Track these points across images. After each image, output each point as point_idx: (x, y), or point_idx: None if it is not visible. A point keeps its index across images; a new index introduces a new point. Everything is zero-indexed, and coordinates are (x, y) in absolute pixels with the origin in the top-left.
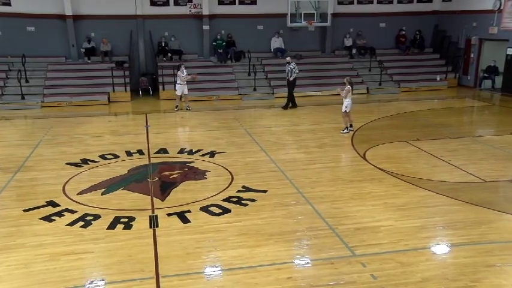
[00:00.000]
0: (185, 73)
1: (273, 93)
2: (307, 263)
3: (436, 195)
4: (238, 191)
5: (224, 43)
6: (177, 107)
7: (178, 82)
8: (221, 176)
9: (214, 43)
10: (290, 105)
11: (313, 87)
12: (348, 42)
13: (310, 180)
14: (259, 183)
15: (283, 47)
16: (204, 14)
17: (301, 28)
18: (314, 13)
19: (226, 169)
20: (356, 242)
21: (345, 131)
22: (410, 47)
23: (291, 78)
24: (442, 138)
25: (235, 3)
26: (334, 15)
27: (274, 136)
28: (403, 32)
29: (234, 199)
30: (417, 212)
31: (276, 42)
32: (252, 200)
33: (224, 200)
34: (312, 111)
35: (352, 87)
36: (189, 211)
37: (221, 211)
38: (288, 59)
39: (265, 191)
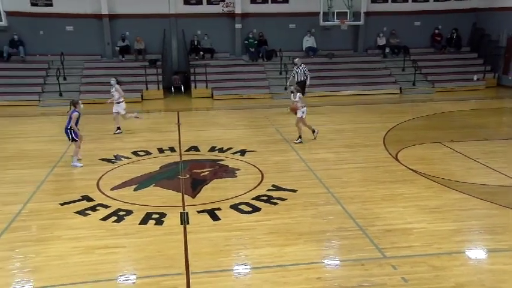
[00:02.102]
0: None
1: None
2: (337, 263)
3: (471, 198)
4: (268, 190)
5: (256, 42)
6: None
7: (120, 100)
8: (251, 175)
9: (246, 42)
10: None
11: (345, 86)
12: (381, 41)
13: (341, 180)
14: (289, 183)
15: (315, 46)
16: (236, 12)
17: (333, 27)
18: (347, 12)
19: (257, 167)
20: (387, 243)
21: (298, 140)
22: (446, 46)
23: (307, 81)
24: (479, 140)
25: (267, 2)
26: (367, 13)
27: (305, 135)
28: (439, 31)
29: (264, 198)
30: (451, 215)
31: (308, 41)
32: (282, 199)
33: (254, 199)
34: (343, 111)
35: (302, 93)
36: (219, 209)
37: (251, 209)
38: (297, 60)
39: (295, 190)
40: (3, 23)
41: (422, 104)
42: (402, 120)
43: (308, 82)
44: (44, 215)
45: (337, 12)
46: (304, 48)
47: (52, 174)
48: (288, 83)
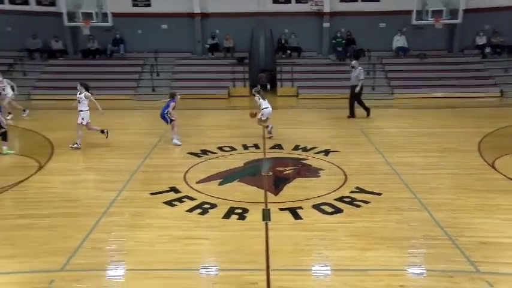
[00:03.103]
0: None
1: (392, 94)
2: (423, 272)
3: None
4: (352, 192)
5: (344, 41)
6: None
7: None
8: (335, 175)
9: (333, 41)
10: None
11: (438, 88)
12: (481, 40)
13: (429, 186)
14: (374, 185)
15: (406, 46)
16: (324, 11)
17: (426, 26)
18: (443, 9)
19: (340, 168)
20: (480, 257)
21: (269, 135)
22: None
23: (359, 85)
24: None
25: (357, 1)
26: (466, 10)
27: (391, 137)
28: None
29: (347, 199)
30: None
31: (399, 41)
32: (366, 202)
33: (337, 200)
34: (434, 114)
35: (261, 94)
36: (300, 208)
37: (333, 210)
38: (354, 63)
39: (379, 194)
40: (109, 23)
41: None
42: (502, 126)
43: (358, 88)
44: (136, 203)
45: (432, 10)
46: (394, 48)
47: (144, 165)
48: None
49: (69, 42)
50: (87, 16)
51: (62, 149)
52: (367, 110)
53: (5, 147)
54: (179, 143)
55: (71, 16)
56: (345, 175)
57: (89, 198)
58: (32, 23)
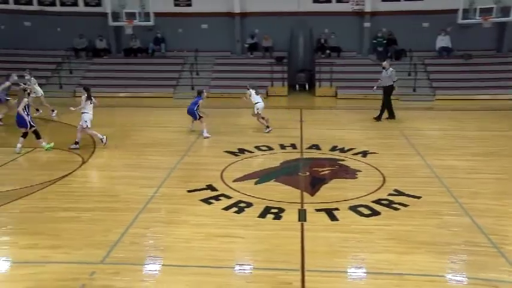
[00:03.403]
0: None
1: (434, 95)
2: (464, 280)
3: None
4: (390, 194)
5: (384, 41)
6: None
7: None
8: (372, 177)
9: (374, 41)
10: (387, 115)
11: (483, 90)
12: None
13: (471, 190)
14: (413, 188)
15: (450, 46)
16: (366, 11)
17: (473, 25)
18: (493, 7)
19: (378, 170)
20: None
21: (266, 130)
22: None
23: (394, 85)
24: None
25: (399, 0)
26: None
27: (432, 140)
28: None
29: (385, 202)
30: None
31: (443, 41)
32: (404, 205)
33: (374, 202)
34: (479, 116)
35: (255, 89)
36: (337, 209)
37: (370, 212)
38: (385, 63)
39: (418, 197)
40: (151, 22)
41: None
42: None
43: (395, 88)
44: (174, 200)
45: (480, 8)
46: (437, 48)
47: (181, 163)
48: (375, 87)
49: (113, 42)
50: (131, 16)
51: (103, 145)
52: (387, 113)
53: (44, 143)
54: (209, 135)
55: (115, 16)
56: (383, 177)
57: (128, 193)
58: (79, 23)
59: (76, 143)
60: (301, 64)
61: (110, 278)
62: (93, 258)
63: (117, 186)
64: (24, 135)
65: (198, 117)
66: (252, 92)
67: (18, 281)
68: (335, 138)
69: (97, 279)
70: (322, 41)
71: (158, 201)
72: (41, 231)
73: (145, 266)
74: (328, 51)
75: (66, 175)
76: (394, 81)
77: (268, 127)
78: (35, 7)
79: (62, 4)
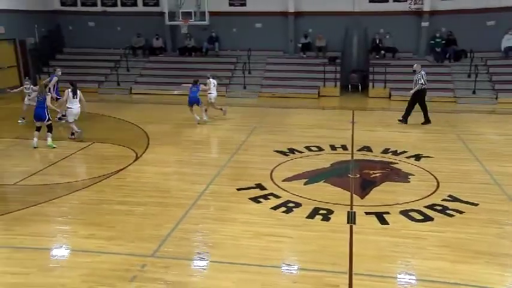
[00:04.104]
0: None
1: (496, 98)
2: None
3: None
4: (444, 200)
5: (443, 41)
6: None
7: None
8: (426, 182)
9: (431, 41)
10: (423, 120)
11: None
12: None
13: None
14: (469, 195)
15: None
16: (424, 10)
17: None
18: None
19: (432, 175)
20: None
21: (204, 118)
22: None
23: (416, 88)
24: None
25: None
26: None
27: (492, 145)
28: None
29: (439, 207)
30: None
31: (509, 40)
32: (459, 212)
33: (427, 207)
34: None
35: (216, 81)
36: (387, 212)
37: (422, 218)
38: (415, 66)
39: (476, 204)
40: (206, 22)
41: None
42: None
43: (412, 91)
44: (223, 197)
45: None
46: (502, 49)
47: (232, 161)
48: (411, 91)
49: (169, 40)
50: (186, 15)
51: (157, 141)
52: (407, 116)
53: (49, 139)
54: (208, 119)
55: (172, 15)
56: (437, 182)
57: (179, 189)
58: (138, 22)
59: (72, 134)
60: (354, 64)
61: (160, 271)
62: (145, 251)
63: (168, 181)
64: (39, 129)
65: (201, 103)
66: (213, 82)
67: (76, 267)
68: (387, 141)
69: (147, 272)
70: (377, 41)
71: (208, 198)
72: (97, 222)
73: (194, 261)
74: (383, 52)
75: (121, 169)
76: (421, 84)
77: (204, 117)
78: (98, 8)
79: (123, 4)
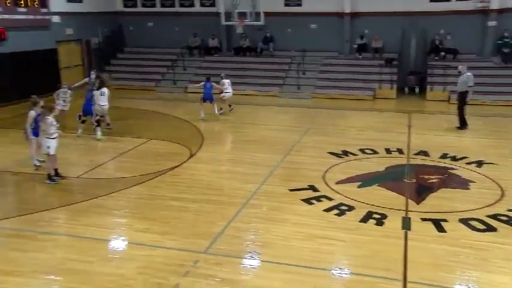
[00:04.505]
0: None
1: None
2: None
3: None
4: (509, 210)
5: None
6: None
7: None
8: (488, 190)
9: (499, 41)
10: (458, 124)
11: None
12: None
13: None
14: None
15: None
16: (491, 8)
17: None
18: None
19: (496, 183)
20: None
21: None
22: None
23: (469, 92)
24: None
25: None
26: None
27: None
28: None
29: (503, 218)
30: None
31: None
32: None
33: (490, 217)
34: None
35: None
36: (445, 220)
37: (485, 228)
38: (460, 67)
39: None
40: (261, 22)
41: None
42: None
43: (469, 96)
44: (275, 198)
45: None
46: None
47: (284, 161)
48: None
49: (224, 40)
50: (242, 15)
51: (211, 139)
52: (464, 122)
53: (99, 133)
54: (218, 113)
55: (227, 16)
56: (502, 190)
57: (232, 188)
58: (195, 23)
59: (108, 124)
60: (412, 66)
61: (212, 268)
62: (198, 247)
63: (222, 180)
64: (84, 122)
65: (214, 99)
66: (227, 81)
67: (132, 259)
68: (446, 145)
69: (200, 268)
70: (437, 42)
71: (260, 198)
72: (152, 217)
73: (245, 259)
74: (442, 53)
75: (176, 166)
76: (469, 87)
77: (222, 109)
78: (157, 8)
79: (181, 5)
